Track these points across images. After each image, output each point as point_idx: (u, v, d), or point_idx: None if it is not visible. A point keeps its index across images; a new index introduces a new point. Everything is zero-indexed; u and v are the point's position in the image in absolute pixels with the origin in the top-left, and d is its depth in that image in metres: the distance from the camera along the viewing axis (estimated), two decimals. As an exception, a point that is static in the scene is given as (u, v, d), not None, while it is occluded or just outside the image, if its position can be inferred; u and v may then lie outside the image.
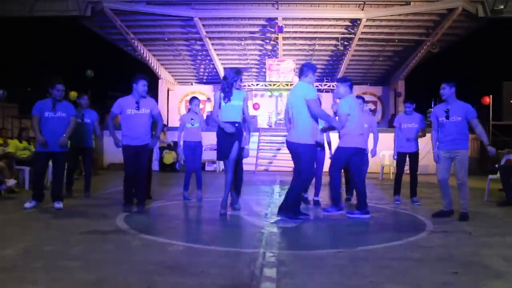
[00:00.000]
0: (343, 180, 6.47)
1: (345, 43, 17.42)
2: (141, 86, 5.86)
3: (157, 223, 5.46)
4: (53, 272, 3.18)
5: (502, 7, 14.10)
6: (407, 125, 7.07)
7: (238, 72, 5.85)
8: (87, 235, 4.43)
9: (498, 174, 7.41)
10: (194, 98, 7.36)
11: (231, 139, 5.63)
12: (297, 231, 4.93)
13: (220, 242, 4.25)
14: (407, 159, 7.12)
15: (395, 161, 7.31)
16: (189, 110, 7.38)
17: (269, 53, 18.55)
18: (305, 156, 5.26)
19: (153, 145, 6.08)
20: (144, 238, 4.30)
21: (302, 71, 5.47)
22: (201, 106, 6.95)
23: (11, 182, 7.37)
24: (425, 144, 14.13)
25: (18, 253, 3.68)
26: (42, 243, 4.06)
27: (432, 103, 16.59)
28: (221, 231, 5.05)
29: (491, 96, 14.83)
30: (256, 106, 19.04)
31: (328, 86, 19.22)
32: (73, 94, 15.59)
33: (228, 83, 5.72)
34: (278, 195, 7.87)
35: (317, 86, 18.77)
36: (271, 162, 14.93)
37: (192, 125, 7.12)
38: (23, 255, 3.62)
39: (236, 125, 5.65)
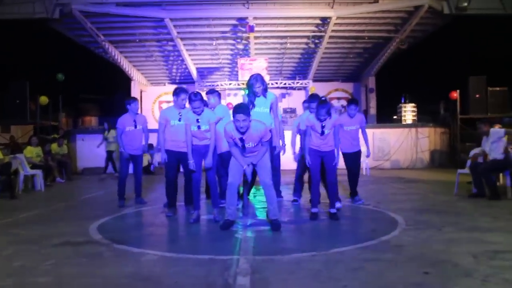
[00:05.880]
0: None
1: (316, 41, 17.54)
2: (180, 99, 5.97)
3: (131, 231, 5.33)
4: (23, 290, 3.12)
5: (465, 4, 14.46)
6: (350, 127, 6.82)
7: (252, 78, 5.88)
8: (59, 247, 4.35)
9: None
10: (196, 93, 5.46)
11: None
12: (273, 234, 4.93)
13: (194, 249, 4.22)
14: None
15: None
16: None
17: (240, 52, 18.51)
18: None
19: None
20: (117, 249, 4.25)
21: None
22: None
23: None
24: (396, 140, 14.62)
25: (-14, 270, 3.59)
26: (11, 258, 3.97)
27: (402, 98, 16.88)
28: (194, 237, 5.00)
29: (458, 91, 15.16)
30: (230, 106, 18.97)
31: (301, 84, 19.27)
32: (43, 99, 15.25)
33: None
34: (252, 196, 7.80)
35: (289, 84, 18.94)
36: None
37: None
38: (-8, 273, 3.53)
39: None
